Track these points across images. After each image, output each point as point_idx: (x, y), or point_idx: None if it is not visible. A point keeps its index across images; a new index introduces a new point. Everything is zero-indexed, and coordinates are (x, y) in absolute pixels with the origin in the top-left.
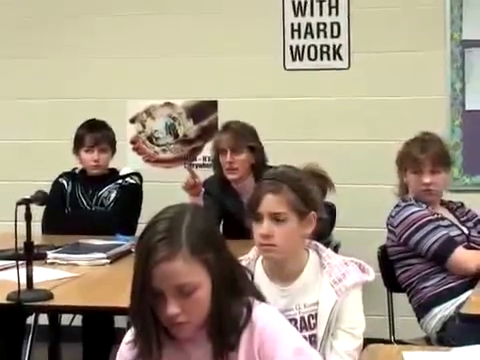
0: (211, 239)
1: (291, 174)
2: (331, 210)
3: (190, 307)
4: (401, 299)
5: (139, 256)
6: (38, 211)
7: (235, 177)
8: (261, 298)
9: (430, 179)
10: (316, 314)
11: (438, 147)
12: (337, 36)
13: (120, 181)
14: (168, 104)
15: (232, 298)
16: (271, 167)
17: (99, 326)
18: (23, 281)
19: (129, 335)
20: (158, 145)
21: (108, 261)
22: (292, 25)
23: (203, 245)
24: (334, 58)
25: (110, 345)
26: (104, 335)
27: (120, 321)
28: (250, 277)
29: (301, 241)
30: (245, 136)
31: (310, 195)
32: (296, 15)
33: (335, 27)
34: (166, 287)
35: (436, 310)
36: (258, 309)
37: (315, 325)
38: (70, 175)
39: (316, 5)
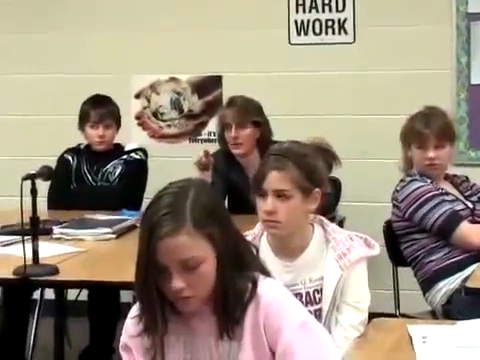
0: (215, 214)
1: (296, 150)
2: (336, 185)
3: (195, 281)
4: (406, 273)
5: (143, 231)
6: (44, 186)
7: (240, 152)
8: (266, 273)
9: (434, 154)
10: (321, 289)
11: (442, 121)
12: (342, 10)
13: (125, 156)
14: (173, 79)
15: (237, 273)
16: (276, 142)
17: (105, 301)
18: (29, 256)
19: (134, 310)
20: (163, 120)
21: (113, 236)
22: None
23: (207, 219)
24: (339, 32)
25: (116, 320)
26: (110, 310)
27: (126, 296)
28: (255, 252)
29: (305, 217)
30: (250, 111)
31: (315, 172)
32: None
33: (340, 1)
34: (171, 262)
35: (441, 284)
36: (263, 284)
37: (320, 300)
38: (75, 151)
39: None
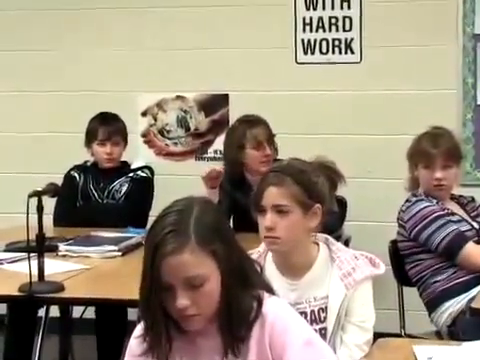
0: (219, 231)
1: (296, 166)
2: (342, 204)
3: (200, 299)
4: (411, 293)
5: (148, 249)
6: (50, 203)
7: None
8: (271, 291)
9: (441, 174)
10: (326, 307)
11: (449, 142)
12: (349, 30)
13: (131, 174)
14: (179, 97)
15: (242, 291)
16: (279, 160)
17: (112, 318)
18: (35, 273)
19: (138, 330)
20: (169, 138)
21: (119, 253)
22: (304, 19)
23: (211, 237)
24: (346, 52)
25: (123, 337)
26: (117, 327)
27: (133, 314)
28: (259, 270)
29: (306, 233)
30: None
31: (315, 187)
32: (308, 9)
33: (347, 21)
34: (175, 280)
35: (447, 304)
36: (268, 302)
37: (325, 318)
38: (82, 168)
39: None
